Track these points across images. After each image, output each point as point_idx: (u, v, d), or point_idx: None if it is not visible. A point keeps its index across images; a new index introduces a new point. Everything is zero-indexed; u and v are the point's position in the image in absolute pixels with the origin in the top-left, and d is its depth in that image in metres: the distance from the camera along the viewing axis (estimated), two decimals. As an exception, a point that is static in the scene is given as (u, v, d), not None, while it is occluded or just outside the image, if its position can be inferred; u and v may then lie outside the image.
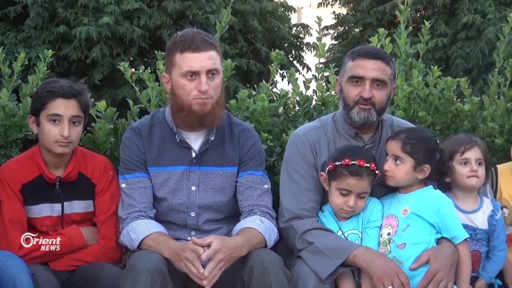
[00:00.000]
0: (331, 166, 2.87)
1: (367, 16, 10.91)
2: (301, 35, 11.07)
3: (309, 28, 10.97)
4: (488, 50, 9.02)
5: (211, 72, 2.87)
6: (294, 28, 11.10)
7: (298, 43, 11.06)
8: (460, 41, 9.63)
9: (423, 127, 3.44)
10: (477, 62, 9.19)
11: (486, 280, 3.03)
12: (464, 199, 3.06)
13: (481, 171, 3.03)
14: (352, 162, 2.82)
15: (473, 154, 3.03)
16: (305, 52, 11.06)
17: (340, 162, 2.84)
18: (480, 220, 3.04)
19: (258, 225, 2.87)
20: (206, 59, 2.86)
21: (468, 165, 3.02)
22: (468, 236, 2.87)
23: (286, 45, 10.81)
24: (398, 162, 2.87)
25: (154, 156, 2.98)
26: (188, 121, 2.93)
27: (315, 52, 4.44)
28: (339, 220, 2.94)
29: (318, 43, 4.09)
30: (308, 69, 10.73)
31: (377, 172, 2.85)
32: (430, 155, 2.89)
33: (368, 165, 2.82)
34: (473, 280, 2.95)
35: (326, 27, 11.55)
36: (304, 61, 11.01)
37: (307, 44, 11.01)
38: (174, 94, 2.92)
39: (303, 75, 10.62)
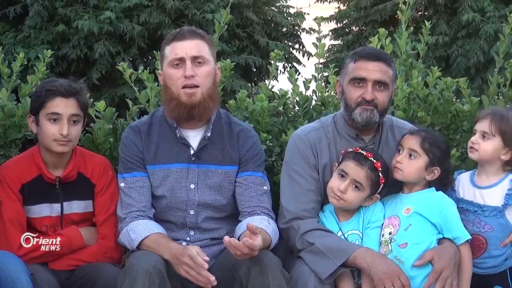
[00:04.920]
0: (343, 152, 2.93)
1: (369, 14, 10.93)
2: (298, 21, 11.13)
3: (304, 14, 11.05)
4: (487, 48, 9.02)
5: (197, 60, 2.89)
6: (290, 18, 11.15)
7: (295, 32, 11.12)
8: (461, 39, 9.64)
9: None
10: (476, 60, 9.19)
11: None
12: (484, 173, 2.99)
13: (483, 145, 2.92)
14: (361, 151, 2.87)
15: (480, 126, 2.95)
16: (302, 39, 11.13)
17: (351, 149, 2.90)
18: (493, 196, 2.95)
19: (266, 226, 2.87)
20: (190, 46, 2.89)
21: (475, 136, 2.98)
22: (470, 237, 2.86)
23: (284, 34, 10.86)
24: (412, 157, 2.88)
25: (153, 154, 2.98)
26: (177, 112, 2.92)
27: (313, 33, 4.47)
28: (340, 220, 2.94)
29: (317, 44, 4.08)
30: (309, 55, 10.79)
31: (380, 174, 2.85)
32: (444, 159, 2.90)
33: (373, 160, 2.84)
34: (475, 277, 2.89)
35: (327, 19, 11.60)
36: (304, 49, 11.06)
37: (304, 29, 11.08)
38: (165, 86, 2.95)
39: (303, 65, 10.68)
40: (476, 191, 2.98)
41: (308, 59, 10.91)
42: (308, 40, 9.92)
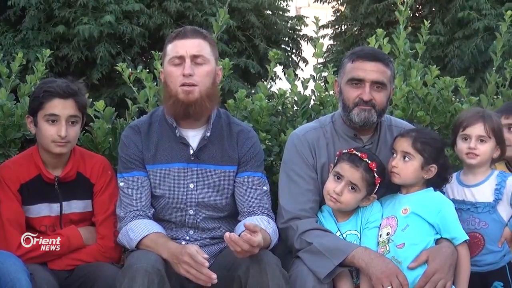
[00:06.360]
0: (338, 153, 2.92)
1: (366, 17, 10.92)
2: (297, 27, 11.09)
3: (304, 18, 11.01)
4: (484, 47, 9.00)
5: (197, 59, 2.89)
6: (290, 22, 11.12)
7: (295, 36, 11.10)
8: (458, 40, 9.63)
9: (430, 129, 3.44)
10: (474, 60, 9.17)
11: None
12: (471, 173, 3.01)
13: (483, 148, 2.95)
14: (355, 152, 2.86)
15: (474, 130, 2.95)
16: (301, 45, 11.12)
17: (346, 151, 2.89)
18: (483, 193, 2.98)
19: (266, 226, 2.87)
20: (191, 45, 2.90)
21: (468, 141, 2.97)
22: (468, 238, 2.86)
23: (283, 38, 10.84)
24: (406, 159, 2.88)
25: (152, 153, 2.98)
26: (175, 110, 2.92)
27: (312, 42, 4.47)
28: (338, 220, 2.94)
29: (315, 43, 4.09)
30: (306, 62, 10.78)
31: (375, 175, 2.85)
32: (438, 155, 2.90)
33: (368, 160, 2.84)
34: (474, 276, 2.90)
35: (324, 26, 11.59)
36: (302, 54, 11.05)
37: (304, 35, 11.07)
38: (165, 84, 2.96)
39: (301, 69, 10.67)
40: (465, 190, 3.01)
41: (306, 65, 10.86)
42: (307, 49, 9.91)
